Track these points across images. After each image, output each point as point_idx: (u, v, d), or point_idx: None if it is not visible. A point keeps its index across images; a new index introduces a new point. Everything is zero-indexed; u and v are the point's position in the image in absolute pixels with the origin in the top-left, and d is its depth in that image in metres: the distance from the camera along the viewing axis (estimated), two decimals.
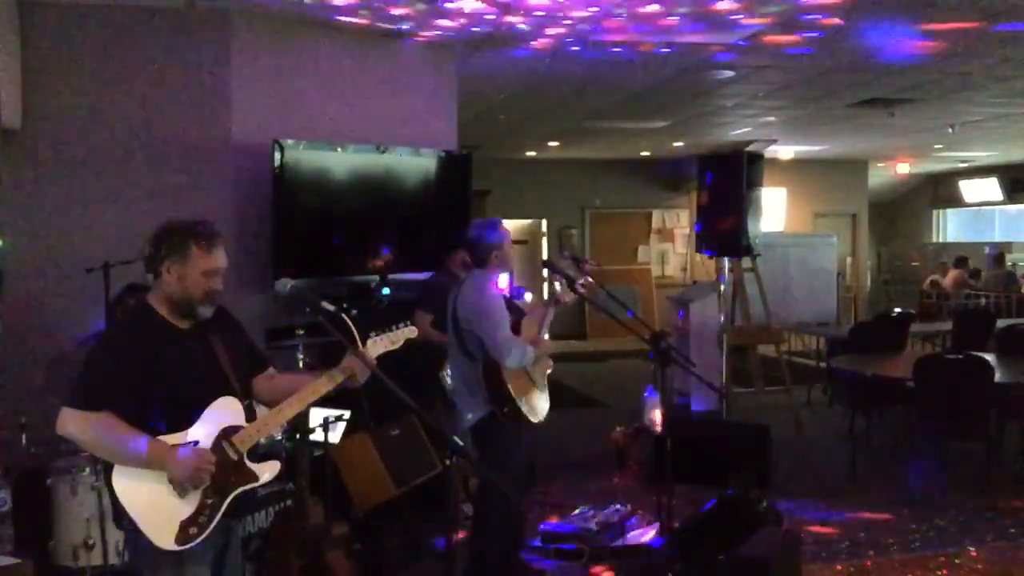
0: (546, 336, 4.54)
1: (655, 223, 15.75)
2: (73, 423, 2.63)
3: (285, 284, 3.14)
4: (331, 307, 3.01)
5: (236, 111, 5.77)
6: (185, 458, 2.63)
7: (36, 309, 5.47)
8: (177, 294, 2.76)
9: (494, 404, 4.25)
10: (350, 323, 3.00)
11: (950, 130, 11.15)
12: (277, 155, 5.58)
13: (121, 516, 2.67)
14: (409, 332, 3.07)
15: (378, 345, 2.98)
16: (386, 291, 5.89)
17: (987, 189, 17.09)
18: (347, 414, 4.66)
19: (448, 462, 4.53)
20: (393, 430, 4.79)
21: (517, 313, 4.57)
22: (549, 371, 4.62)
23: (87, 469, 4.19)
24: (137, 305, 2.85)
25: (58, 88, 5.52)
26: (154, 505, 2.63)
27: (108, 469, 2.69)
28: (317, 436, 4.28)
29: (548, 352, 4.50)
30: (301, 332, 4.97)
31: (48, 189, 5.53)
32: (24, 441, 4.57)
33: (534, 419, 4.34)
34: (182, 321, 2.80)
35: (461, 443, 2.93)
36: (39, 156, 5.51)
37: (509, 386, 4.20)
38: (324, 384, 2.88)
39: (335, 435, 4.59)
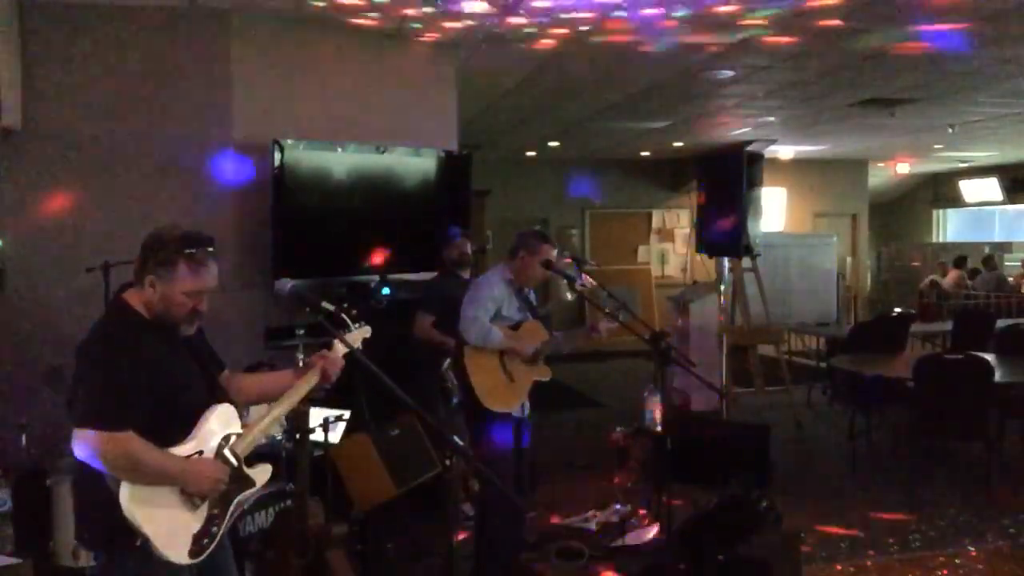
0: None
1: (655, 223, 15.74)
2: (97, 445, 2.47)
3: (285, 284, 3.14)
4: (331, 307, 3.01)
5: (236, 111, 5.76)
6: (205, 471, 2.61)
7: (36, 309, 5.47)
8: (159, 308, 2.64)
9: (457, 379, 4.43)
10: (350, 323, 3.00)
11: (950, 130, 11.15)
12: (277, 155, 5.58)
13: (120, 535, 2.52)
14: (363, 332, 3.10)
15: (338, 347, 2.97)
16: (386, 291, 5.89)
17: (987, 189, 17.09)
18: (347, 414, 4.66)
19: (448, 462, 4.54)
20: (393, 430, 4.79)
21: (533, 313, 4.63)
22: (543, 379, 4.62)
23: None
24: (121, 310, 2.68)
25: (58, 88, 5.52)
26: (168, 521, 2.57)
27: (98, 486, 2.52)
28: (317, 436, 4.27)
29: (522, 352, 4.49)
30: (301, 332, 4.97)
31: (48, 189, 5.53)
32: (24, 441, 4.57)
33: (487, 404, 4.37)
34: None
35: (461, 443, 2.94)
36: (39, 156, 5.50)
37: (466, 363, 4.36)
38: (304, 384, 2.87)
39: (335, 435, 4.59)
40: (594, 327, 4.64)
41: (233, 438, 2.74)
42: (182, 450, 2.62)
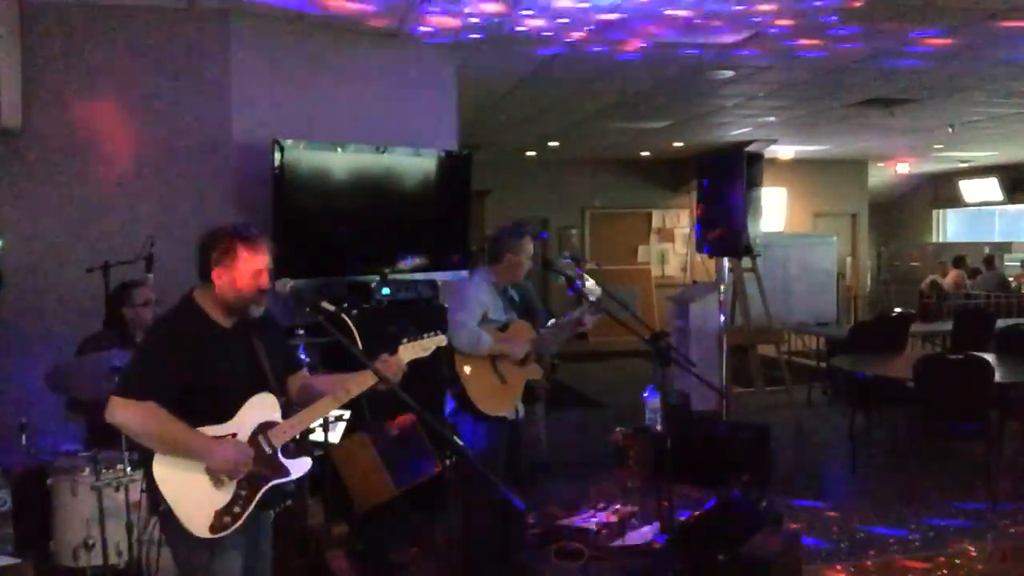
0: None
1: (655, 223, 15.75)
2: (121, 411, 2.73)
3: (285, 284, 3.14)
4: (331, 307, 3.03)
5: (236, 111, 5.76)
6: (225, 451, 2.75)
7: (36, 309, 5.47)
8: (230, 296, 2.85)
9: (446, 384, 4.35)
10: (350, 323, 3.01)
11: (950, 130, 11.16)
12: (277, 155, 5.57)
13: (159, 502, 2.77)
14: (439, 340, 3.14)
15: (409, 351, 3.05)
16: (386, 291, 5.89)
17: (987, 189, 17.09)
18: (347, 414, 4.67)
19: (448, 462, 4.53)
20: (393, 430, 4.79)
21: (528, 316, 4.61)
22: (534, 377, 4.61)
23: (87, 469, 4.19)
24: (184, 302, 2.92)
25: (58, 88, 5.52)
26: (191, 494, 2.74)
27: (148, 457, 2.78)
28: (317, 436, 4.28)
29: (513, 353, 4.45)
30: (301, 332, 4.97)
31: (48, 189, 5.53)
32: (24, 441, 4.56)
33: (483, 409, 4.33)
34: (227, 320, 2.89)
35: (461, 443, 2.94)
36: (39, 156, 5.50)
37: (458, 368, 4.30)
38: (356, 386, 2.95)
39: (335, 435, 4.59)
40: (580, 320, 4.63)
41: (271, 426, 2.86)
42: (215, 430, 2.79)
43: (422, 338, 3.09)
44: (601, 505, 5.65)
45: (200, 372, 2.78)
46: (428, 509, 5.12)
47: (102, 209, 5.59)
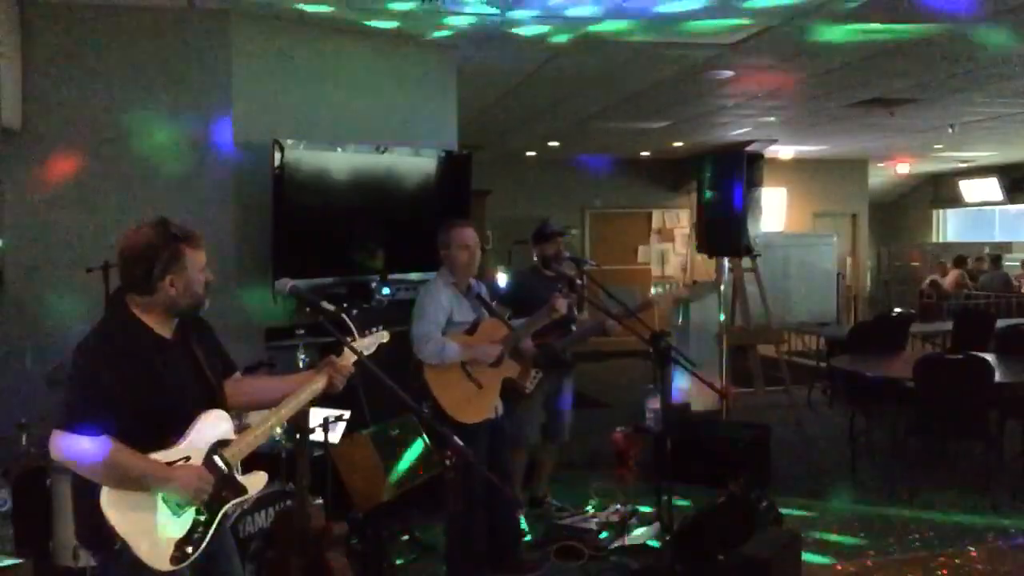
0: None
1: (655, 223, 15.74)
2: (69, 448, 2.47)
3: (285, 284, 3.13)
4: (331, 307, 3.01)
5: (236, 111, 5.76)
6: (186, 478, 2.54)
7: (36, 309, 5.47)
8: (185, 301, 2.67)
9: (420, 396, 4.32)
10: (350, 323, 3.00)
11: (950, 130, 11.15)
12: (277, 155, 5.57)
13: (104, 538, 2.50)
14: (381, 336, 3.08)
15: (348, 354, 2.95)
16: (386, 291, 5.89)
17: (987, 189, 17.09)
18: (347, 414, 4.66)
19: (448, 462, 4.52)
20: (393, 430, 4.79)
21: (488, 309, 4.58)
22: (512, 375, 4.58)
23: None
24: (120, 314, 2.68)
25: (58, 88, 5.52)
26: (146, 526, 2.51)
27: (88, 492, 2.50)
28: (317, 436, 4.27)
29: (484, 358, 4.43)
30: (301, 332, 4.97)
31: (48, 189, 5.53)
32: (24, 441, 4.57)
33: (461, 419, 4.28)
34: (168, 330, 2.70)
35: (460, 442, 2.93)
36: (39, 156, 5.50)
37: (428, 380, 4.27)
38: (307, 392, 2.84)
39: (335, 435, 4.59)
40: (552, 305, 4.62)
41: (225, 444, 2.69)
42: (168, 455, 2.57)
43: (364, 336, 3.03)
44: (601, 505, 5.66)
45: (149, 394, 2.56)
46: (428, 509, 5.12)
47: (102, 209, 5.58)
